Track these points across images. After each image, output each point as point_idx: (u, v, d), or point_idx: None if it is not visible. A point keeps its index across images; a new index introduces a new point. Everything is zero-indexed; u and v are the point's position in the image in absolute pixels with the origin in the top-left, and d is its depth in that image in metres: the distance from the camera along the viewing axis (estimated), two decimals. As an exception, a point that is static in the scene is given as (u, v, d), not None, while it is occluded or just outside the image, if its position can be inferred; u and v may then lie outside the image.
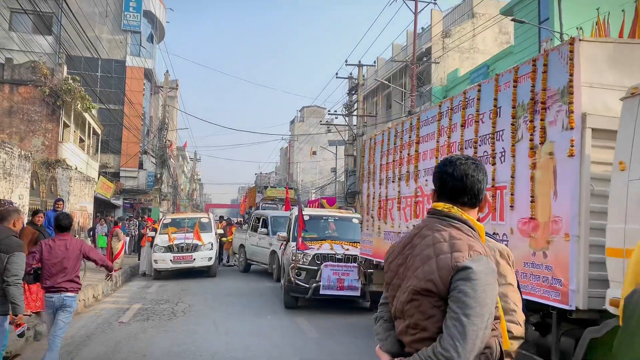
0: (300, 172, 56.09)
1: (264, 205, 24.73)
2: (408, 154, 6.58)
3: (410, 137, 6.57)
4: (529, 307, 3.51)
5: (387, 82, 24.20)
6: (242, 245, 16.72)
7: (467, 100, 5.27)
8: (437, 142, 5.80)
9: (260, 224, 15.40)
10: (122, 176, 29.96)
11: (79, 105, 20.27)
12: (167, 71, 33.11)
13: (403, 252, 1.86)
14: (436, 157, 5.79)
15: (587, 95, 3.73)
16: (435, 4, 23.91)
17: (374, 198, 7.85)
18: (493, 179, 4.64)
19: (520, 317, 2.12)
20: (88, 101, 20.85)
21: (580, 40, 3.73)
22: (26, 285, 7.55)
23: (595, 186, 3.68)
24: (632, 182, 3.27)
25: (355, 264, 8.96)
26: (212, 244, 14.59)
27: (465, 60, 25.87)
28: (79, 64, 24.87)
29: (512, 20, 17.07)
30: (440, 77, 25.34)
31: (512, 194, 4.35)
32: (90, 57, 25.19)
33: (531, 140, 4.15)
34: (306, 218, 10.33)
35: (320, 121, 30.85)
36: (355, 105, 25.73)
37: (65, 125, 20.79)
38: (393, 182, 7.06)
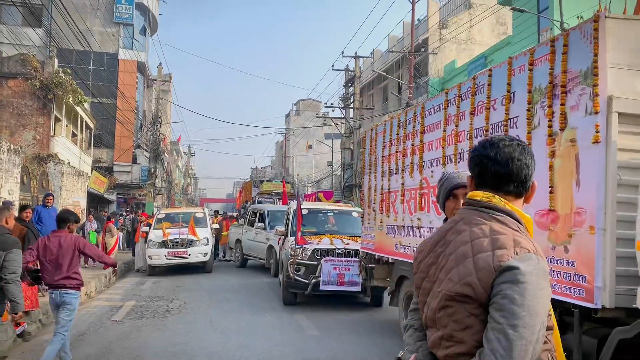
0: (296, 166, 55.77)
1: (260, 199, 24.45)
2: (412, 145, 6.29)
3: (414, 127, 6.28)
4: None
5: (384, 74, 23.88)
6: (238, 240, 16.44)
7: (476, 86, 4.99)
8: (444, 131, 5.52)
9: (257, 218, 15.11)
10: (115, 171, 29.55)
11: (70, 99, 19.84)
12: (160, 64, 32.62)
13: (434, 250, 1.58)
14: (442, 147, 5.51)
15: (613, 77, 3.45)
16: (432, -6, 23.59)
17: (375, 191, 7.57)
18: (506, 169, 4.37)
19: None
20: (80, 94, 20.44)
21: (606, 17, 3.45)
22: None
23: (622, 175, 3.41)
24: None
25: (356, 259, 8.70)
26: (207, 239, 14.30)
27: (462, 51, 25.60)
28: (70, 57, 24.38)
29: (511, 9, 16.81)
30: (437, 69, 25.06)
31: (528, 185, 4.08)
32: (81, 50, 24.72)
33: (550, 126, 3.88)
34: (305, 212, 10.05)
35: (317, 114, 30.52)
36: (352, 97, 25.41)
37: (57, 119, 20.37)
38: (396, 174, 6.78)
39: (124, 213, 23.92)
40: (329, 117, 28.23)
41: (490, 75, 4.75)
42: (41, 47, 24.39)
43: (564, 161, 3.72)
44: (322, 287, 8.71)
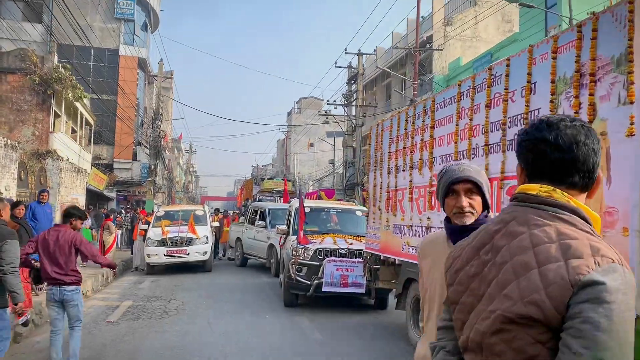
0: (297, 164, 55.47)
1: (261, 197, 24.14)
2: (421, 140, 5.99)
3: (424, 121, 5.98)
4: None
5: (388, 70, 23.54)
6: (239, 239, 16.14)
7: (492, 77, 4.68)
8: (457, 125, 5.21)
9: (258, 216, 14.81)
10: (115, 168, 29.26)
11: (70, 95, 19.55)
12: (162, 59, 32.37)
13: (478, 257, 1.27)
14: (455, 142, 5.20)
15: (650, 64, 3.14)
16: (437, -10, 23.27)
17: (381, 188, 7.27)
18: (526, 165, 4.07)
19: None
20: (80, 90, 20.15)
21: (643, -3, 3.14)
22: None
23: (659, 171, 3.10)
24: None
25: (360, 259, 8.39)
26: (207, 238, 14.00)
27: (467, 49, 25.28)
28: (70, 53, 24.11)
29: (519, 5, 16.49)
30: (442, 67, 24.72)
31: (550, 182, 3.77)
32: (82, 46, 24.46)
33: (576, 118, 3.56)
34: (307, 210, 9.74)
35: (319, 112, 30.19)
36: (355, 95, 25.09)
37: (57, 115, 20.08)
38: (404, 170, 6.48)
39: (123, 211, 23.61)
40: (331, 115, 27.91)
41: (508, 65, 4.45)
42: (41, 43, 24.09)
43: (592, 156, 3.41)
44: (324, 289, 8.40)
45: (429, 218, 5.70)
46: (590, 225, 1.21)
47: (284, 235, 10.42)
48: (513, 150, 4.27)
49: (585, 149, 1.21)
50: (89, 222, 14.33)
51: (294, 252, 8.80)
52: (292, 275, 8.65)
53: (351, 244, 8.88)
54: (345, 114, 26.20)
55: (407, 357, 5.98)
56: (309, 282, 8.55)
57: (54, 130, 19.44)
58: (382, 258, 7.25)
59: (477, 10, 25.20)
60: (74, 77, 19.78)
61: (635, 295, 1.13)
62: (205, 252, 13.82)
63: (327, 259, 8.52)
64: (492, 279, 1.19)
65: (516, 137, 1.41)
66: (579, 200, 1.24)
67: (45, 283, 5.20)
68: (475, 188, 1.92)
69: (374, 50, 28.92)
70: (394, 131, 6.90)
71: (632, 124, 3.11)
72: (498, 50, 20.32)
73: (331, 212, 10.52)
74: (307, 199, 18.55)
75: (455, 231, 1.94)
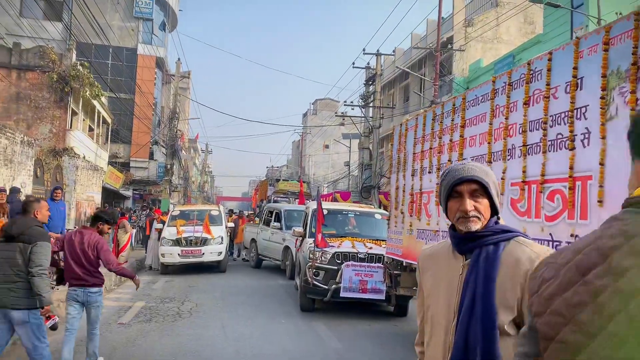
0: (312, 165, 55.22)
1: (275, 198, 23.93)
2: (450, 140, 5.66)
3: (453, 121, 5.65)
4: None
5: (408, 70, 23.19)
6: (253, 240, 15.91)
7: (532, 72, 4.34)
8: (490, 124, 4.87)
9: (273, 217, 14.56)
10: (132, 166, 29.30)
11: (87, 92, 19.56)
12: (179, 59, 32.39)
13: (584, 281, 0.96)
14: (488, 142, 4.86)
15: None
16: (458, -10, 22.86)
17: (404, 191, 6.94)
18: (571, 167, 3.73)
19: None
20: (97, 88, 20.15)
21: None
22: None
23: None
24: None
25: (380, 265, 8.07)
26: (222, 238, 13.79)
27: (488, 50, 24.78)
28: (89, 52, 24.19)
29: (546, 4, 16.01)
30: (462, 68, 24.26)
31: (600, 186, 3.43)
32: (100, 44, 24.53)
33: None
34: (324, 212, 9.44)
35: (336, 113, 29.88)
36: (372, 96, 24.74)
37: (74, 113, 20.13)
38: (430, 172, 6.15)
39: (136, 210, 23.60)
40: (347, 116, 27.58)
41: (550, 60, 4.10)
42: (60, 41, 24.21)
43: (652, 158, 3.06)
44: (342, 294, 8.10)
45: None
46: None
47: (301, 238, 10.14)
48: (555, 151, 3.94)
49: None
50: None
51: (311, 255, 8.51)
52: (309, 279, 8.36)
53: (370, 248, 8.57)
54: (363, 115, 25.86)
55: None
56: (326, 287, 8.26)
57: (71, 127, 19.47)
58: (404, 264, 6.92)
59: (499, 11, 24.72)
60: (92, 75, 19.79)
61: None
62: (220, 253, 13.61)
63: (345, 263, 8.22)
64: (615, 313, 0.88)
65: (629, 127, 1.10)
66: None
67: (67, 284, 5.19)
68: (481, 189, 1.65)
69: (393, 51, 28.55)
70: (419, 131, 6.57)
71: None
72: (520, 51, 19.83)
73: (349, 215, 10.21)
74: (322, 200, 18.29)
75: (461, 240, 1.68)
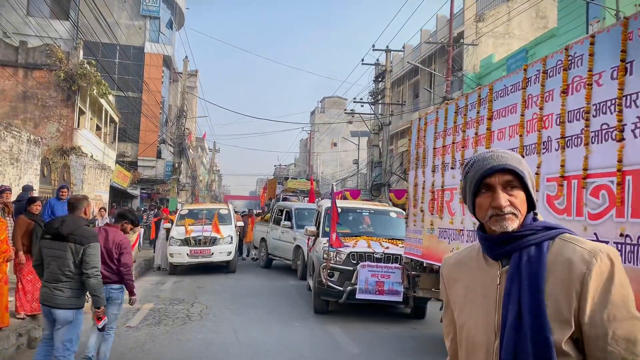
0: (320, 163, 54.92)
1: (284, 196, 23.67)
2: (476, 134, 5.32)
3: (478, 113, 5.31)
4: None
5: (420, 65, 22.83)
6: (263, 239, 15.63)
7: (570, 58, 4.00)
8: (522, 115, 4.53)
9: (284, 216, 14.26)
10: (139, 165, 29.15)
11: (94, 91, 19.37)
12: (187, 57, 32.22)
13: None
14: (520, 135, 4.52)
15: None
16: (470, -16, 22.47)
17: (424, 188, 6.61)
18: (619, 160, 3.39)
19: None
20: (104, 86, 19.96)
21: None
22: (20, 284, 6.56)
23: None
24: None
25: (398, 265, 7.75)
26: (231, 237, 13.52)
27: (499, 46, 24.37)
28: (96, 50, 24.04)
29: (562, -4, 15.58)
30: (473, 64, 23.85)
31: (656, 181, 3.09)
32: (108, 43, 24.37)
33: (695, 102, 2.89)
34: (338, 210, 9.13)
35: (344, 110, 29.52)
36: (382, 92, 24.38)
37: (81, 112, 19.95)
38: (452, 168, 5.82)
39: (143, 209, 23.41)
40: (356, 113, 27.21)
41: (592, 44, 3.76)
42: (68, 40, 24.06)
43: None
44: (358, 296, 7.78)
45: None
46: None
47: (313, 237, 9.83)
48: (600, 143, 3.60)
49: None
50: (106, 220, 13.87)
51: (325, 256, 8.19)
52: (323, 280, 8.04)
53: (387, 247, 8.24)
54: (372, 112, 25.51)
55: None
56: (341, 289, 7.95)
57: (78, 126, 19.29)
58: (424, 265, 6.60)
59: (511, 6, 24.29)
60: (99, 73, 19.61)
61: None
62: (230, 252, 13.35)
63: (361, 263, 7.90)
64: None
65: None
66: None
67: None
68: (516, 180, 1.35)
69: (402, 47, 28.17)
70: (440, 125, 6.24)
71: None
72: (533, 46, 19.39)
73: (364, 213, 9.88)
74: (333, 199, 17.97)
75: (495, 242, 1.37)
